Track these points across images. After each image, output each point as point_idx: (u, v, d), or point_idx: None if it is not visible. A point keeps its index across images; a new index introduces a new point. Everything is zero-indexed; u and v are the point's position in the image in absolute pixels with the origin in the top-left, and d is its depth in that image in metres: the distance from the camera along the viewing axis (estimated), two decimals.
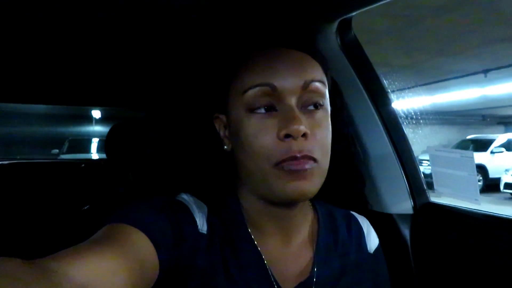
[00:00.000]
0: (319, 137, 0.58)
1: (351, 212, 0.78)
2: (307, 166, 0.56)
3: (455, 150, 0.94)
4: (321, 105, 0.60)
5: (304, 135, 0.55)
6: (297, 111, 0.57)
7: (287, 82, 0.57)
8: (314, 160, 0.57)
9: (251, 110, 0.58)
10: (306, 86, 0.58)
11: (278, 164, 0.56)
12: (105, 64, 1.42)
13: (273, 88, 0.57)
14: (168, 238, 0.54)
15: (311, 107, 0.59)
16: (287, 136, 0.55)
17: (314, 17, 0.88)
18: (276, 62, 0.58)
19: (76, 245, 0.45)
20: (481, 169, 10.00)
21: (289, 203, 0.62)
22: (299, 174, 0.56)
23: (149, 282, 0.49)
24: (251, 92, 0.58)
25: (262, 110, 0.58)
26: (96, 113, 11.78)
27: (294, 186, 0.56)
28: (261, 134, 0.57)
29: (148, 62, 1.39)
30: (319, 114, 0.60)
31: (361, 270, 0.70)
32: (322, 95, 0.60)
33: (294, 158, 0.55)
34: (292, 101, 0.57)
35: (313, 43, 0.64)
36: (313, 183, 0.57)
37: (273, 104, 0.58)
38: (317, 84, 0.59)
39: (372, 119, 0.97)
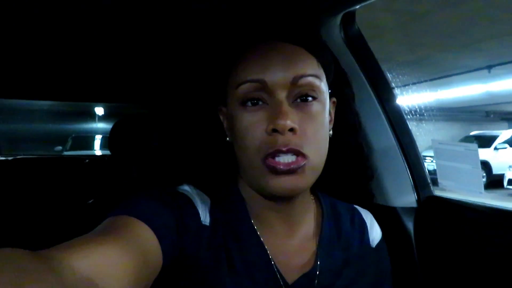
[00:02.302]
0: (310, 132, 0.57)
1: (355, 206, 0.78)
2: (293, 167, 0.55)
3: (459, 144, 0.93)
4: (315, 98, 0.59)
5: (292, 129, 0.55)
6: (286, 106, 0.56)
7: (277, 77, 0.57)
8: (303, 155, 0.56)
9: (244, 104, 0.59)
10: (295, 81, 0.58)
11: (265, 159, 0.56)
12: (108, 60, 1.42)
13: (263, 84, 0.57)
14: (171, 230, 0.54)
15: (304, 100, 0.59)
16: (274, 130, 0.55)
17: (318, 10, 0.88)
18: (267, 57, 0.58)
19: (80, 237, 0.45)
20: (485, 165, 9.96)
21: (281, 198, 0.62)
22: (286, 172, 0.56)
23: (152, 273, 0.49)
24: (243, 87, 0.58)
25: (254, 104, 0.58)
26: (99, 110, 11.80)
27: (281, 182, 0.56)
28: (252, 127, 0.57)
29: (149, 58, 1.40)
30: (312, 107, 0.59)
31: (364, 263, 0.70)
32: (315, 89, 0.59)
33: (280, 151, 0.55)
34: (282, 95, 0.57)
35: (312, 35, 0.63)
36: (303, 179, 0.57)
37: (264, 98, 0.58)
38: (309, 79, 0.58)
39: (375, 112, 0.97)
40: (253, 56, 0.59)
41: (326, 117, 0.62)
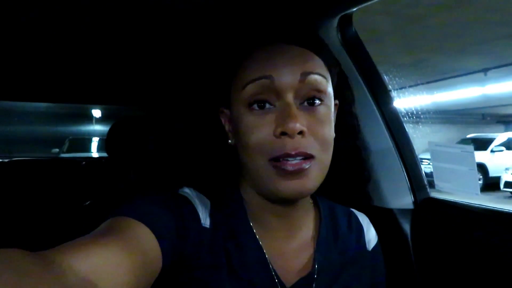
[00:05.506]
0: (317, 134, 0.57)
1: (351, 209, 0.78)
2: (303, 166, 0.55)
3: (456, 145, 0.94)
4: (322, 101, 0.59)
5: (301, 132, 0.55)
6: (294, 108, 0.56)
7: (285, 74, 0.56)
8: (312, 156, 0.56)
9: (250, 106, 0.58)
10: (303, 79, 0.57)
11: (273, 161, 0.56)
12: (106, 61, 1.42)
13: (271, 80, 0.56)
14: (171, 232, 0.54)
15: (311, 104, 0.58)
16: (283, 133, 0.55)
17: (314, 13, 0.88)
18: (274, 56, 0.58)
19: (80, 238, 0.45)
20: (481, 168, 10.00)
21: (286, 201, 0.62)
22: (295, 173, 0.55)
23: (152, 274, 0.49)
24: (250, 87, 0.57)
25: (261, 107, 0.58)
26: (96, 112, 11.77)
27: (290, 185, 0.56)
28: (258, 130, 0.57)
29: (149, 59, 1.39)
30: (320, 110, 0.59)
31: (360, 266, 0.70)
32: (322, 90, 0.59)
33: (288, 155, 0.55)
34: (290, 97, 0.57)
35: (317, 37, 0.63)
36: (311, 181, 0.57)
37: (271, 100, 0.57)
38: (316, 77, 0.58)
39: (372, 114, 0.98)
40: (259, 56, 0.59)
41: (332, 119, 0.62)
